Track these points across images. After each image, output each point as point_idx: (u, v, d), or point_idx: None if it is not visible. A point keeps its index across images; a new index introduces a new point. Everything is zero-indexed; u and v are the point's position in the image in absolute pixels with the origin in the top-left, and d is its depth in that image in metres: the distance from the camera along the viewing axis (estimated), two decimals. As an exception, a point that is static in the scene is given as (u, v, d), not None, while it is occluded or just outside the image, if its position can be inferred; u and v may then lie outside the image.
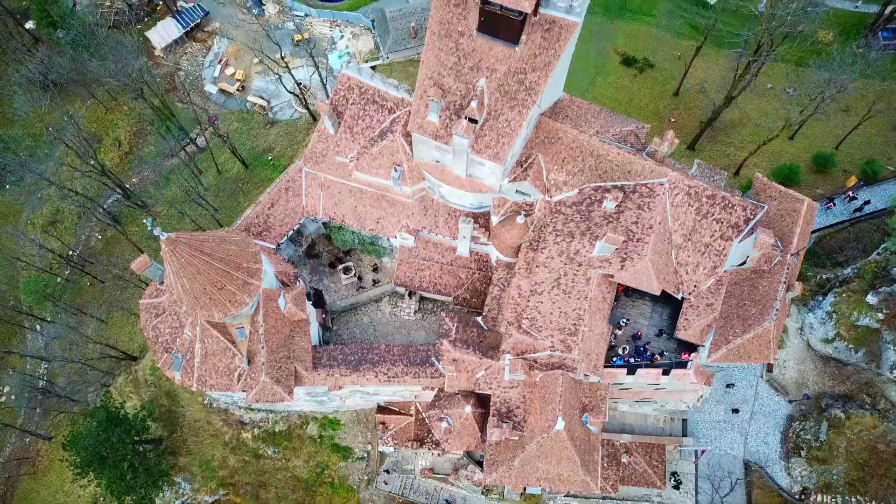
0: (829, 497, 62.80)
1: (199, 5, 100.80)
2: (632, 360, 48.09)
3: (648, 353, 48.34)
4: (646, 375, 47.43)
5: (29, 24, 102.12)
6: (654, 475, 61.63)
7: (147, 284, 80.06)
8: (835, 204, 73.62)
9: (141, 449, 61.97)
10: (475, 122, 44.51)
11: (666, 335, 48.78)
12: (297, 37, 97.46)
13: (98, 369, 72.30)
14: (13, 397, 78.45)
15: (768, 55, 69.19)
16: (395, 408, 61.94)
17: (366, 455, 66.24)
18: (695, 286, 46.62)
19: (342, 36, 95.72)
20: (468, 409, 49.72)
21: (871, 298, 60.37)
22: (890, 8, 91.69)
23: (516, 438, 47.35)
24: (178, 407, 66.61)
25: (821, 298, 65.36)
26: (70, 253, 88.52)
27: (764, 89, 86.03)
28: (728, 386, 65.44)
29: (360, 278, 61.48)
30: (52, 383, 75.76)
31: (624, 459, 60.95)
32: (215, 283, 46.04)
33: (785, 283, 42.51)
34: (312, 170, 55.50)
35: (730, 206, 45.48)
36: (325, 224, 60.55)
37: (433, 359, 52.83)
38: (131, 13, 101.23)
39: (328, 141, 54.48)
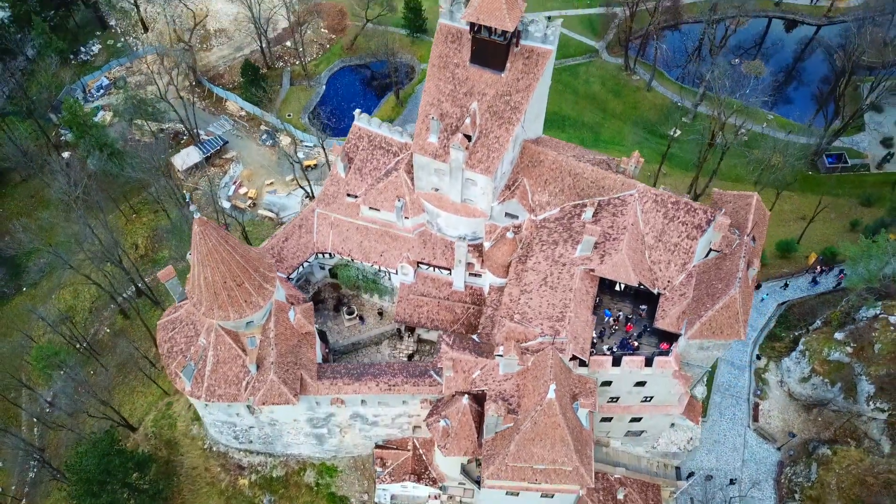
0: (828, 540, 62.48)
1: (219, 136, 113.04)
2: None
3: (632, 346, 52.18)
4: (630, 364, 50.84)
5: (66, 154, 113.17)
6: (650, 514, 61.71)
7: (154, 366, 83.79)
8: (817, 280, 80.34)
9: (137, 483, 61.97)
10: (469, 138, 52.34)
11: (648, 331, 52.91)
12: (307, 162, 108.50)
13: (95, 433, 73.20)
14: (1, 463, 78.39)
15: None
16: (393, 446, 63.24)
17: (362, 507, 65.91)
18: (668, 281, 51.79)
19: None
20: (465, 400, 52.06)
21: (838, 335, 64.97)
22: (826, 141, 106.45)
23: (510, 425, 49.59)
24: (177, 456, 67.11)
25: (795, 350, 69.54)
26: (78, 346, 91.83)
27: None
28: (707, 478, 67.14)
29: (361, 319, 65.79)
30: (43, 451, 76.04)
31: (620, 496, 61.38)
32: (235, 278, 50.84)
33: (745, 259, 47.95)
34: (324, 210, 62.31)
35: (692, 209, 52.13)
36: (330, 272, 66.09)
37: (431, 371, 56.09)
38: (158, 144, 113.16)
39: (339, 184, 61.89)
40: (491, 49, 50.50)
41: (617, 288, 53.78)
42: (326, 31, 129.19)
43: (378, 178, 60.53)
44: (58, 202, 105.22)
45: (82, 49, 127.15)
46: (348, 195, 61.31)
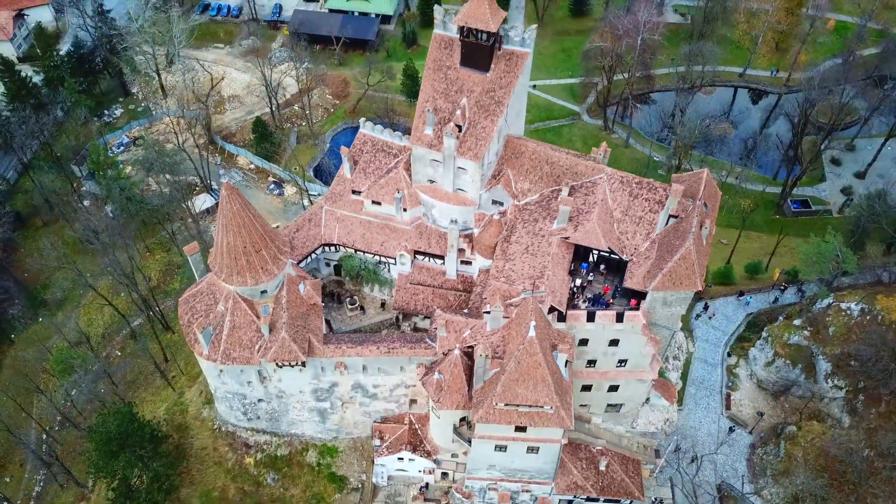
0: (799, 513, 66.45)
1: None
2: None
3: (604, 301, 58.66)
4: (603, 318, 57.12)
5: (86, 202, 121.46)
6: (632, 485, 65.88)
7: (162, 377, 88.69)
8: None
9: (149, 460, 66.09)
10: (459, 128, 60.87)
11: (619, 291, 59.53)
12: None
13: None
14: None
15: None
16: (391, 422, 68.05)
17: (360, 486, 69.76)
18: (635, 248, 58.95)
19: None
20: (457, 351, 57.67)
21: (796, 321, 71.57)
22: (789, 189, 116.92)
23: (497, 370, 55.23)
24: (187, 439, 71.31)
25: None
26: (90, 368, 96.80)
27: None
28: (675, 450, 72.21)
29: (362, 309, 72.10)
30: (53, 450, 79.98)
31: (602, 466, 65.79)
32: (254, 244, 57.88)
33: (698, 219, 55.32)
34: (332, 207, 69.97)
35: (654, 187, 60.07)
36: (335, 268, 72.94)
37: (426, 339, 62.12)
38: (175, 191, 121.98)
39: (345, 183, 69.89)
40: (478, 51, 59.87)
41: (590, 259, 60.85)
42: (331, 97, 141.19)
43: (380, 176, 68.57)
44: (76, 243, 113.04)
45: (105, 112, 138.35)
46: (353, 192, 69.10)
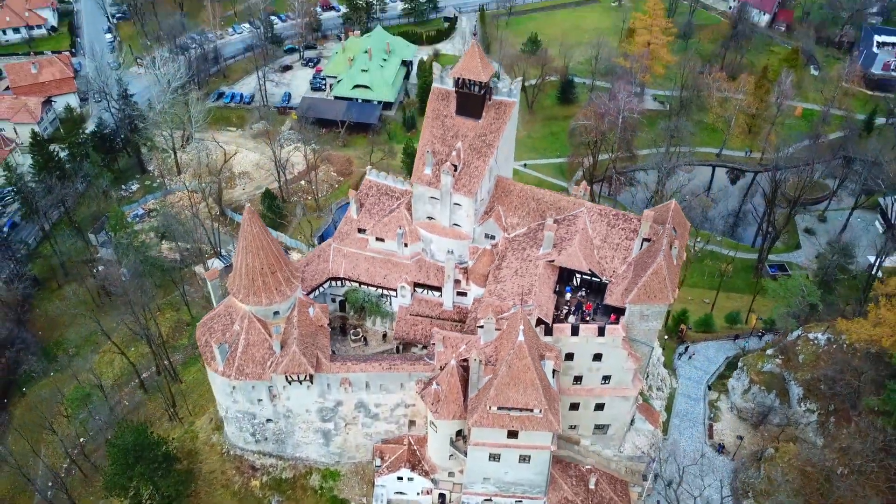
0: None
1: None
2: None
3: (587, 312, 64.47)
4: (586, 331, 62.67)
5: (100, 268, 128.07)
6: (620, 502, 69.21)
7: (171, 419, 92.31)
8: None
9: (160, 483, 69.40)
10: (455, 168, 68.63)
11: (600, 308, 65.40)
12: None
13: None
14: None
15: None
16: (391, 443, 71.98)
17: (361, 509, 72.77)
18: (613, 271, 65.36)
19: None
20: (453, 361, 62.59)
21: (769, 352, 76.92)
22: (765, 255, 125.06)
23: (490, 377, 60.23)
24: (196, 463, 74.65)
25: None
26: (99, 412, 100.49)
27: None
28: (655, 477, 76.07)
29: (365, 340, 77.39)
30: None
31: (591, 485, 69.33)
32: (270, 266, 64.27)
33: (667, 241, 61.95)
34: (339, 245, 76.71)
35: (629, 218, 67.21)
36: (340, 304, 78.82)
37: (425, 357, 67.36)
38: (185, 259, 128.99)
39: (352, 223, 76.93)
40: (471, 101, 68.48)
41: (574, 282, 67.12)
42: (335, 174, 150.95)
43: (383, 216, 75.75)
44: (91, 300, 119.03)
45: (123, 187, 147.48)
46: (359, 230, 76.01)
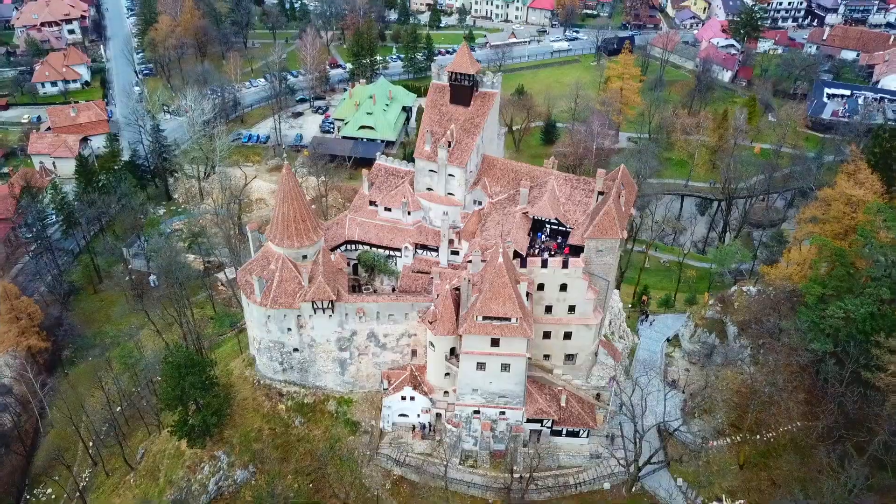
0: (721, 441, 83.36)
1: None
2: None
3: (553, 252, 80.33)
4: (553, 264, 78.32)
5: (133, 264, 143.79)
6: (587, 418, 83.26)
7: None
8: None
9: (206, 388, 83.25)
10: (449, 144, 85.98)
11: (568, 248, 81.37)
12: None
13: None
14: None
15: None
16: (396, 370, 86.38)
17: (370, 430, 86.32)
18: (576, 220, 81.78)
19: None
20: (447, 286, 77.75)
21: (710, 301, 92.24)
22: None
23: (477, 295, 75.49)
24: (232, 394, 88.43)
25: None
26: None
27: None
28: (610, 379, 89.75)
29: (376, 293, 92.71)
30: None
31: (563, 402, 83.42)
32: (302, 215, 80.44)
33: (616, 191, 78.47)
34: (353, 215, 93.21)
35: (587, 182, 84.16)
36: (353, 266, 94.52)
37: (426, 291, 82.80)
38: (208, 270, 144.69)
39: (364, 198, 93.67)
40: (462, 91, 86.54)
41: (545, 230, 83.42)
42: (343, 200, 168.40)
43: (390, 191, 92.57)
44: (125, 301, 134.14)
45: (151, 210, 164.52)
46: (370, 203, 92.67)
